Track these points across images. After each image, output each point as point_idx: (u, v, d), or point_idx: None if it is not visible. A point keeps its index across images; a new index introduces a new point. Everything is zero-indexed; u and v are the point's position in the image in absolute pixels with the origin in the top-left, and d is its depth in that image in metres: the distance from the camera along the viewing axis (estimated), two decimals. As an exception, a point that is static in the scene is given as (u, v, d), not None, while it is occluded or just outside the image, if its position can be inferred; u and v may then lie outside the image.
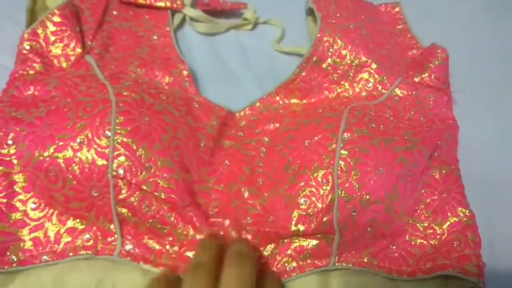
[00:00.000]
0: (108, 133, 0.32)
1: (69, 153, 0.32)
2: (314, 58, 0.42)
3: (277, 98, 0.42)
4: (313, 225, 0.33)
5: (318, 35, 0.42)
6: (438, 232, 0.35)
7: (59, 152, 0.32)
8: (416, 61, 0.44)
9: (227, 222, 0.35)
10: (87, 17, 0.41)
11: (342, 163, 0.33)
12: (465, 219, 0.35)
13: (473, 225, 0.35)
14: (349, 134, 0.34)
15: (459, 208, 0.36)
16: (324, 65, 0.42)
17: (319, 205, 0.33)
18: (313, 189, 0.33)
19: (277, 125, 0.40)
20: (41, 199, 0.34)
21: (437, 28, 0.51)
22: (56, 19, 0.39)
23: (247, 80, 0.46)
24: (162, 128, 0.34)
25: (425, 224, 0.36)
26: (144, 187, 0.32)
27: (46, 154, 0.32)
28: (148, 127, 0.33)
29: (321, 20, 0.43)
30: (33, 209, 0.34)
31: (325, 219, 0.33)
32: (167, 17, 0.46)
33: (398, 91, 0.41)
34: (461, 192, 0.36)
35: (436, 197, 0.36)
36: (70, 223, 0.34)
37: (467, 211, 0.35)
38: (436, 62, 0.42)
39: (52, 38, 0.39)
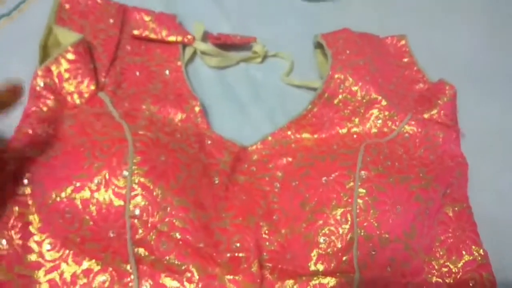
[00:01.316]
0: (125, 173, 0.32)
1: (86, 194, 0.32)
2: (326, 95, 0.43)
3: (289, 132, 0.43)
4: (332, 264, 0.33)
5: (330, 73, 0.43)
6: (454, 270, 0.36)
7: (76, 192, 0.32)
8: (424, 96, 0.45)
9: (251, 256, 0.34)
10: (100, 53, 0.42)
11: (360, 201, 0.33)
12: (479, 258, 0.36)
13: (487, 264, 0.35)
14: (366, 172, 0.35)
15: (473, 247, 0.36)
16: (335, 101, 0.43)
17: (339, 245, 0.33)
18: (332, 228, 0.34)
19: (290, 159, 0.40)
20: (57, 239, 0.33)
21: (440, 61, 0.52)
22: (70, 56, 0.39)
23: (257, 113, 0.46)
24: (178, 167, 0.34)
25: (441, 262, 0.36)
26: (160, 227, 0.32)
27: (63, 195, 0.32)
28: (164, 167, 0.33)
29: (332, 57, 0.44)
30: (49, 250, 0.33)
31: (344, 258, 0.33)
32: (178, 51, 0.46)
33: (408, 127, 0.41)
34: (474, 230, 0.37)
35: (450, 234, 0.37)
36: (85, 263, 0.33)
37: (481, 250, 0.36)
38: (445, 99, 0.43)
39: (66, 75, 0.38)
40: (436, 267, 0.36)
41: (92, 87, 0.39)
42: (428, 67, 0.49)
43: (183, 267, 0.33)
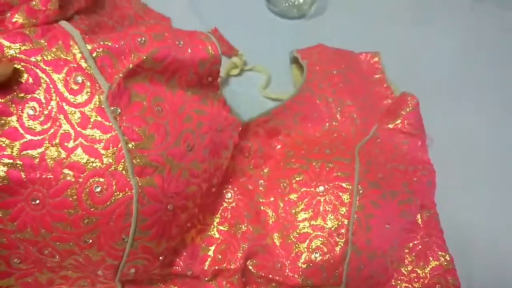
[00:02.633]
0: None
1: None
2: (310, 90, 0.44)
3: (286, 112, 0.42)
4: (322, 278, 0.33)
5: (306, 77, 0.45)
6: (421, 275, 0.37)
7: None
8: (390, 109, 0.46)
9: (232, 266, 0.34)
10: None
11: (356, 216, 0.34)
12: (445, 263, 0.37)
13: (453, 269, 0.37)
14: (363, 187, 0.35)
15: (440, 252, 0.37)
16: (317, 100, 0.44)
17: (332, 260, 0.33)
18: (326, 241, 0.34)
19: (278, 157, 0.40)
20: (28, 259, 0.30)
21: (414, 73, 0.54)
22: None
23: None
24: (185, 206, 0.32)
25: (409, 268, 0.37)
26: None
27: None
28: (171, 217, 0.31)
29: (307, 65, 0.46)
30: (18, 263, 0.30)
31: (336, 272, 0.33)
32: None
33: (377, 134, 0.43)
34: (441, 237, 0.38)
35: (418, 241, 0.38)
36: (63, 273, 0.32)
37: (447, 255, 0.37)
38: (408, 109, 0.45)
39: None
40: (405, 273, 0.37)
41: (53, 5, 0.27)
42: (402, 79, 0.51)
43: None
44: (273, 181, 0.38)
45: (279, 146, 0.41)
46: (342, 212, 0.34)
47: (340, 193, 0.35)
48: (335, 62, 0.48)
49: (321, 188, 0.35)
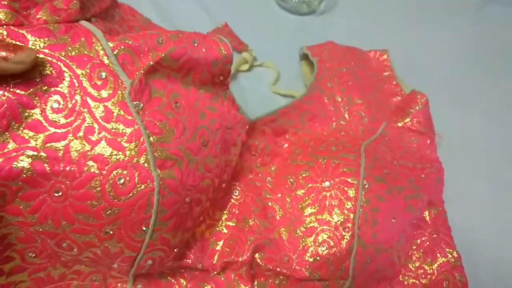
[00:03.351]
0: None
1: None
2: (318, 88, 0.45)
3: (294, 113, 0.43)
4: (329, 271, 0.34)
5: (317, 71, 0.46)
6: (429, 272, 0.38)
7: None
8: (399, 107, 0.47)
9: (240, 259, 0.35)
10: None
11: (362, 211, 0.34)
12: (453, 260, 0.38)
13: (460, 266, 0.38)
14: (369, 182, 0.35)
15: (447, 249, 0.38)
16: (325, 99, 0.45)
17: (338, 253, 0.34)
18: (332, 235, 0.34)
19: (285, 155, 0.41)
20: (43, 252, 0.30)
21: (421, 72, 0.55)
22: None
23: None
24: (199, 200, 0.32)
25: (417, 264, 0.38)
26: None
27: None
28: (187, 209, 0.31)
29: (317, 63, 0.47)
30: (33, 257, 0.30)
31: (343, 266, 0.34)
32: None
33: (386, 132, 0.44)
34: (448, 234, 0.39)
35: (426, 237, 0.39)
36: (76, 267, 0.32)
37: (455, 252, 0.38)
38: (417, 107, 0.46)
39: None
40: (413, 269, 0.38)
41: (75, 5, 0.28)
42: (410, 77, 0.51)
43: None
44: (280, 178, 0.39)
45: (286, 145, 0.42)
46: (348, 207, 0.35)
47: (346, 188, 0.35)
48: (345, 60, 0.49)
49: (327, 184, 0.36)
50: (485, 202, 0.45)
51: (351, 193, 0.35)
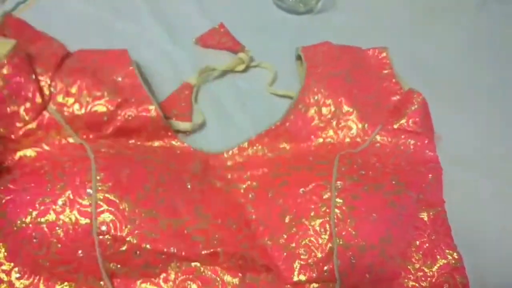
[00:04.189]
0: (89, 191, 0.32)
1: (51, 216, 0.31)
2: (300, 105, 0.44)
3: (266, 139, 0.44)
4: (314, 274, 0.34)
5: (304, 85, 0.45)
6: (429, 274, 0.37)
7: (41, 217, 0.31)
8: (396, 107, 0.46)
9: (230, 250, 0.35)
10: (44, 58, 0.39)
11: (337, 211, 0.34)
12: (453, 262, 0.37)
13: (461, 267, 0.37)
14: (341, 183, 0.36)
15: (447, 251, 0.37)
16: (309, 113, 0.44)
17: (319, 255, 0.34)
18: (312, 238, 0.34)
19: (266, 170, 0.41)
20: (26, 267, 0.33)
21: (421, 71, 0.54)
22: (6, 70, 0.35)
23: (242, 122, 0.47)
24: (144, 177, 0.35)
25: (416, 266, 0.37)
26: (130, 239, 0.32)
27: (28, 220, 0.31)
28: (129, 180, 0.34)
29: (307, 70, 0.46)
30: (18, 279, 0.33)
31: (325, 268, 0.34)
32: (128, 57, 0.44)
33: (378, 137, 0.43)
34: (448, 234, 0.38)
35: (425, 239, 0.38)
36: (58, 287, 0.33)
37: (455, 254, 0.37)
38: (413, 108, 0.45)
39: (5, 92, 0.35)
40: (412, 271, 0.37)
41: (38, 100, 0.37)
42: (408, 76, 0.50)
43: (157, 270, 0.34)
44: (261, 192, 0.39)
45: (265, 170, 0.42)
46: (323, 209, 0.35)
47: (320, 191, 0.36)
48: (340, 62, 0.48)
49: (302, 190, 0.36)
50: (488, 201, 0.44)
51: (325, 195, 0.35)
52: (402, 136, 0.44)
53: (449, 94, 0.53)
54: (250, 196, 0.39)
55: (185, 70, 0.51)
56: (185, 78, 0.49)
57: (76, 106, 0.39)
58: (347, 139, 0.44)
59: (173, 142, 0.42)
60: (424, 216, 0.39)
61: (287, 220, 0.36)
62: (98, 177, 0.33)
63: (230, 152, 0.43)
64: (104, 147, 0.36)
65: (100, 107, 0.39)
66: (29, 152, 0.37)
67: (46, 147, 0.38)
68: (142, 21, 0.55)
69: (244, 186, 0.40)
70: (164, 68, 0.51)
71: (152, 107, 0.40)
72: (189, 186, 0.37)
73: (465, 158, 0.47)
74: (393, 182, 0.37)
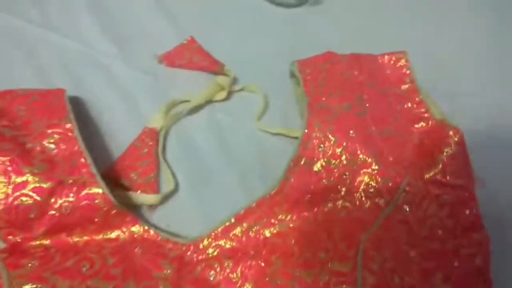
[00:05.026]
0: None
1: None
2: (303, 160, 0.34)
3: (259, 212, 0.33)
4: None
5: (306, 131, 0.34)
6: None
7: None
8: (424, 145, 0.36)
9: None
10: None
11: None
12: None
13: None
14: None
15: None
16: (315, 168, 0.34)
17: None
18: None
19: (262, 264, 0.31)
20: None
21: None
22: None
23: (228, 179, 0.37)
24: None
25: None
26: None
27: None
28: None
29: (308, 106, 0.35)
30: None
31: None
32: (64, 106, 0.33)
33: (405, 196, 0.33)
34: None
35: None
36: None
37: None
38: (449, 151, 0.34)
39: None
40: None
41: None
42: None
43: None
44: None
45: (261, 263, 0.31)
46: None
47: None
48: (349, 83, 0.37)
49: None
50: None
51: None
52: (435, 193, 0.33)
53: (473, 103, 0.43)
54: None
55: (146, 105, 0.39)
56: (147, 117, 0.37)
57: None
58: (368, 202, 0.33)
59: (134, 229, 0.31)
60: None
61: None
62: None
63: (212, 237, 0.32)
64: (27, 278, 0.26)
65: (25, 198, 0.28)
66: None
67: None
68: (85, 35, 0.43)
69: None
70: (118, 103, 0.39)
71: (98, 191, 0.29)
72: None
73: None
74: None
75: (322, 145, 0.34)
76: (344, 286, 0.28)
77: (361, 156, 0.34)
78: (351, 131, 0.35)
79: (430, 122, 0.38)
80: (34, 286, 0.26)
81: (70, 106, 0.33)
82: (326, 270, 0.29)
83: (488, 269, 0.31)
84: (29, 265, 0.27)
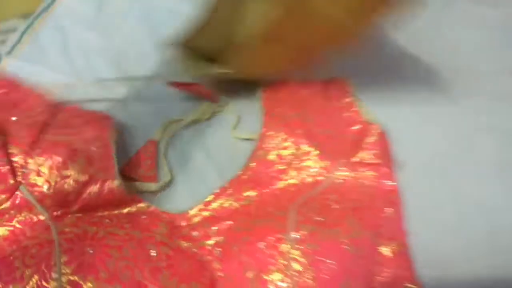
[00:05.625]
0: (54, 275, 0.34)
1: None
2: (260, 151, 0.46)
3: (230, 190, 0.45)
4: None
5: (262, 130, 0.47)
6: None
7: None
8: (355, 139, 0.48)
9: None
10: (19, 134, 0.41)
11: (296, 263, 0.36)
12: None
13: None
14: (298, 233, 0.37)
15: (408, 285, 0.39)
16: (270, 157, 0.46)
17: None
18: None
19: (231, 223, 0.42)
20: None
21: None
22: None
23: (210, 173, 0.48)
24: (107, 253, 0.36)
25: None
26: None
27: None
28: (92, 259, 0.36)
29: (265, 115, 0.49)
30: None
31: None
32: (109, 126, 0.46)
33: (340, 173, 0.45)
34: (409, 267, 0.39)
35: (386, 274, 0.39)
36: None
37: (415, 287, 0.39)
38: (372, 139, 0.46)
39: None
40: None
41: (11, 181, 0.38)
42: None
43: None
44: (228, 247, 0.40)
45: (231, 223, 0.42)
46: (282, 262, 0.36)
47: (278, 244, 0.37)
48: (299, 100, 0.50)
49: (262, 244, 0.38)
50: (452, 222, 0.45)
51: (284, 248, 0.37)
52: (362, 169, 0.45)
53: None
54: (216, 252, 0.40)
55: (149, 123, 0.52)
56: (150, 132, 0.51)
57: (46, 185, 0.40)
58: (310, 179, 0.45)
59: (140, 205, 0.43)
60: (386, 251, 0.40)
61: (250, 276, 0.37)
62: (62, 260, 0.35)
63: (196, 208, 0.44)
64: (68, 227, 0.38)
65: (67, 185, 0.40)
66: (2, 231, 0.38)
67: (19, 226, 0.39)
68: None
69: (210, 242, 0.41)
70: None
71: (116, 183, 0.42)
72: (154, 254, 0.39)
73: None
74: (349, 225, 0.39)
75: (275, 140, 0.47)
76: (281, 223, 0.38)
77: (305, 147, 0.46)
78: (297, 130, 0.47)
79: (362, 123, 0.50)
80: (70, 230, 0.38)
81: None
82: (271, 217, 0.40)
83: (399, 213, 0.43)
84: (68, 222, 0.40)
